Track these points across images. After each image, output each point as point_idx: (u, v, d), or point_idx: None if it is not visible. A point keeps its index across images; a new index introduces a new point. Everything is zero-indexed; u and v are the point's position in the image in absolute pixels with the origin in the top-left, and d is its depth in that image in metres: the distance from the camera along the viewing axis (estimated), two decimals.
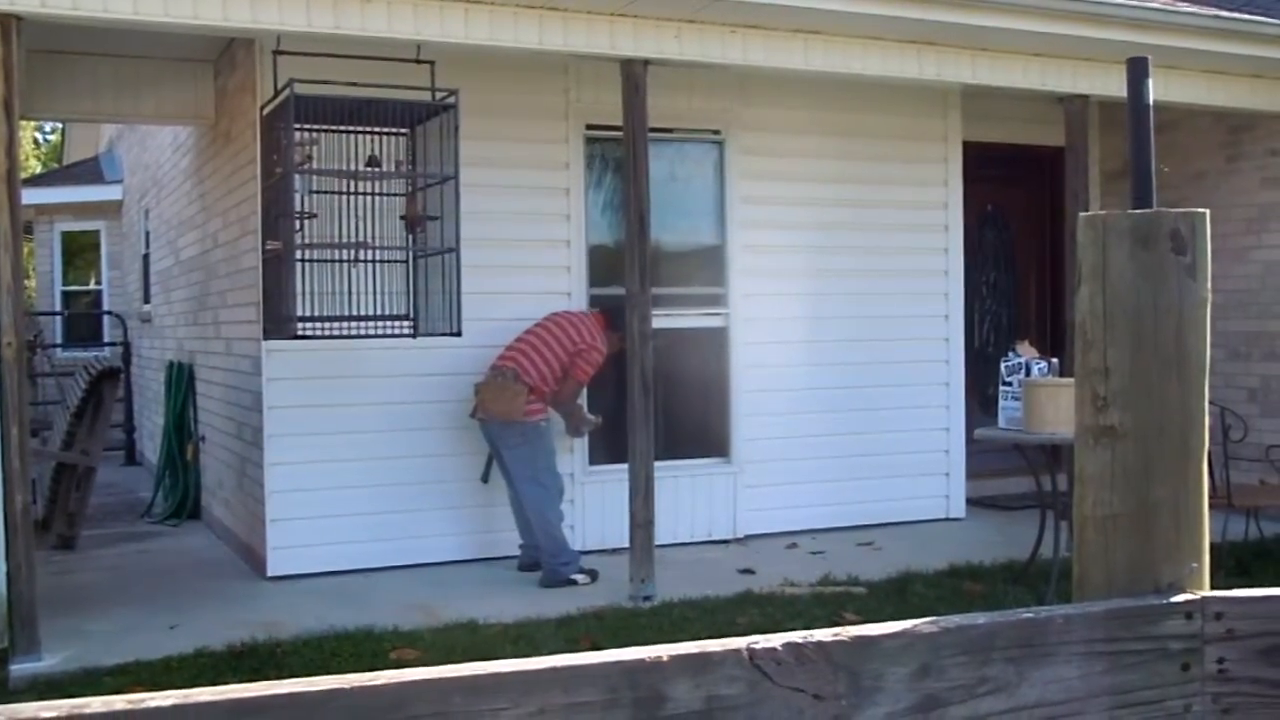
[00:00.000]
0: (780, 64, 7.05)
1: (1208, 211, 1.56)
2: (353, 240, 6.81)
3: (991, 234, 10.07)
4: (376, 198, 6.97)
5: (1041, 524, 6.86)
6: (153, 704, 1.09)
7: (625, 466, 6.81)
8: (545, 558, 7.06)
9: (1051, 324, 9.85)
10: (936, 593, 6.67)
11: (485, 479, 7.46)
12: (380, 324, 6.94)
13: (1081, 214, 1.58)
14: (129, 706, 1.09)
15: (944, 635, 1.37)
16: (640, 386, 6.65)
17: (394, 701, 1.14)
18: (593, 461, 7.88)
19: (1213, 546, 1.60)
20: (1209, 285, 1.55)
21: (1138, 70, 1.63)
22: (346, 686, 1.14)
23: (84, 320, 17.82)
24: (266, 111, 6.82)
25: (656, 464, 6.84)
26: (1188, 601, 1.48)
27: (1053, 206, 9.60)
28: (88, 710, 1.07)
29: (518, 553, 7.35)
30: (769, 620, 6.10)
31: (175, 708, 1.09)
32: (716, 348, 8.33)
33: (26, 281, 18.33)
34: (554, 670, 1.20)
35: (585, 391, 7.54)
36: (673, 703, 1.23)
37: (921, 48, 7.33)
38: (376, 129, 6.89)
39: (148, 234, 12.89)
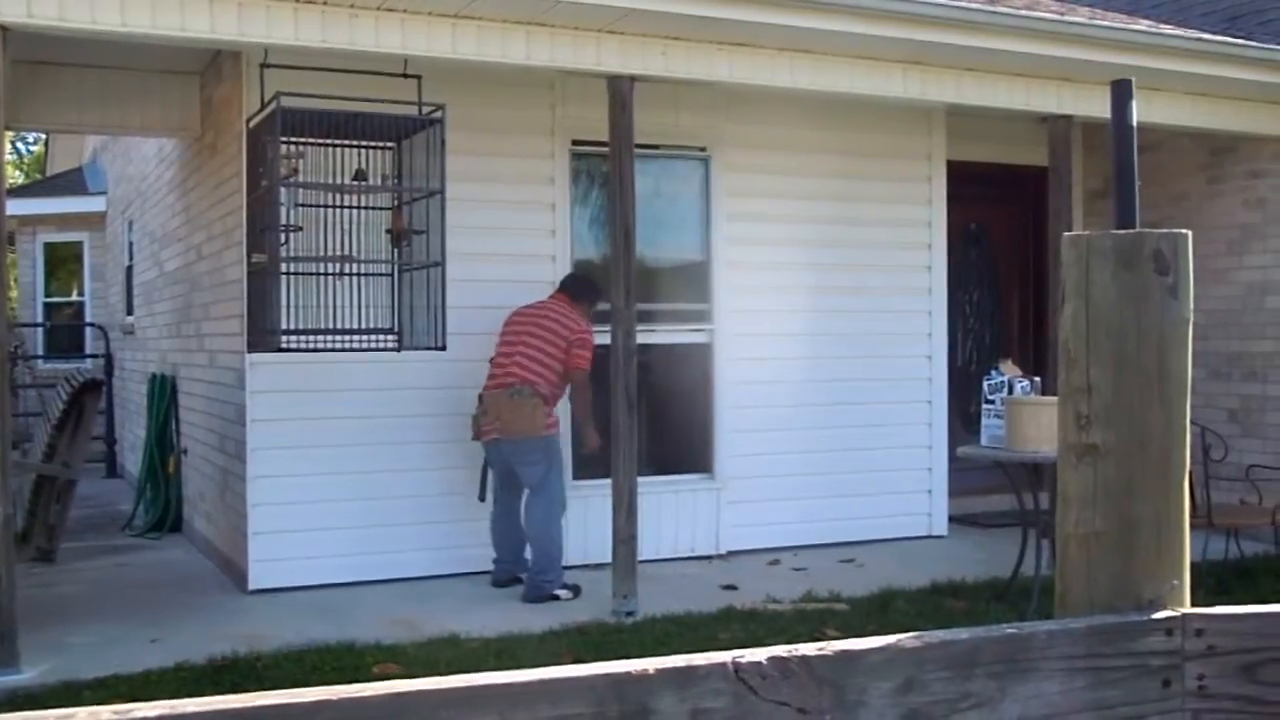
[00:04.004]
0: (766, 82, 7.09)
1: (1190, 233, 1.58)
2: (338, 254, 6.81)
3: (974, 252, 10.11)
4: (362, 211, 6.97)
5: (1023, 542, 6.88)
6: (140, 714, 1.09)
7: (608, 481, 6.81)
8: (531, 572, 7.05)
9: (1034, 342, 9.89)
10: (918, 610, 6.68)
11: (483, 498, 7.34)
12: (365, 337, 6.94)
13: (1065, 234, 1.59)
14: (115, 717, 1.09)
15: (927, 650, 1.38)
16: (624, 402, 6.65)
17: (381, 713, 1.15)
18: (576, 476, 7.86)
19: (1193, 566, 1.61)
20: (1191, 305, 1.57)
21: (1122, 92, 1.65)
22: (334, 698, 1.14)
23: (66, 332, 17.75)
24: (253, 124, 6.81)
25: (640, 479, 6.84)
26: (1168, 618, 1.50)
27: (1035, 225, 9.64)
28: None
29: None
30: (751, 636, 6.10)
31: (162, 718, 1.09)
32: (701, 364, 8.34)
33: (9, 292, 18.25)
34: (541, 682, 1.20)
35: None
36: (658, 715, 1.24)
37: (907, 67, 7.38)
38: (363, 143, 6.89)
39: (131, 246, 12.86)
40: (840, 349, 8.61)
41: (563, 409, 7.34)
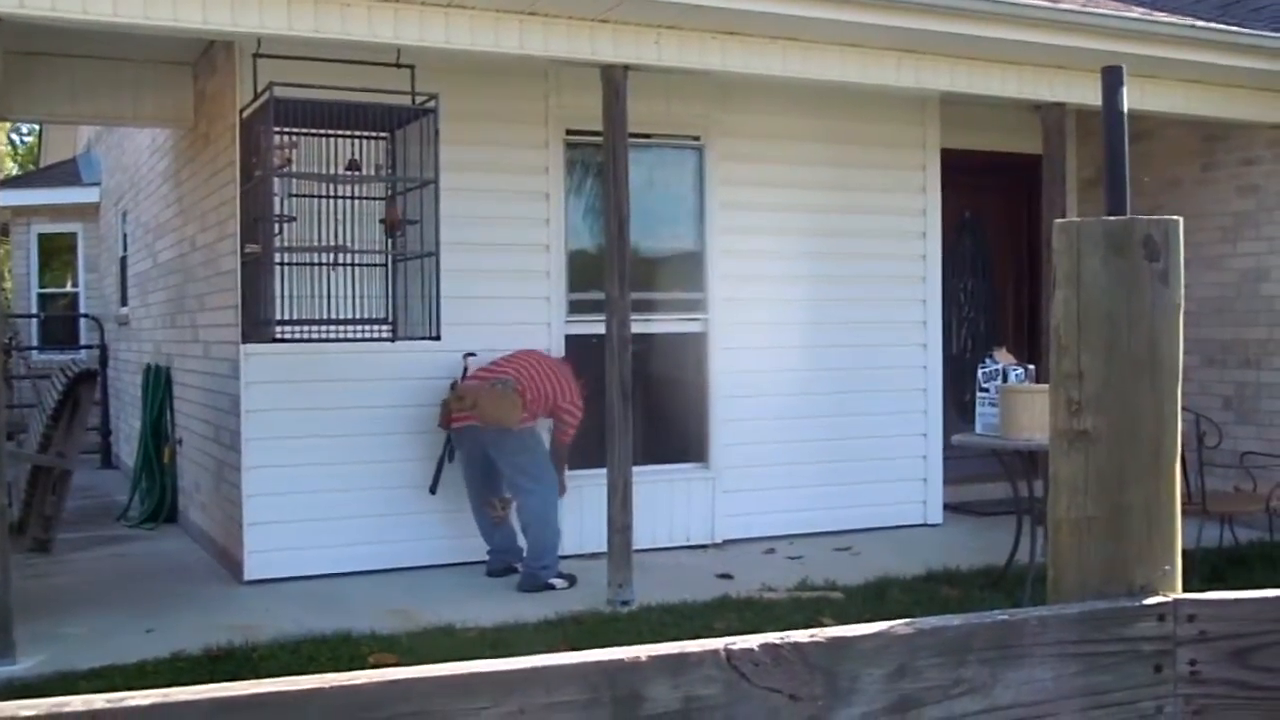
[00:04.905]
0: (760, 70, 7.07)
1: (1180, 219, 1.58)
2: (332, 244, 6.80)
3: (969, 241, 10.11)
4: (356, 201, 6.97)
5: (1018, 529, 6.89)
6: (132, 703, 1.09)
7: (603, 471, 6.81)
8: (527, 560, 7.06)
9: (1028, 330, 9.90)
10: (913, 598, 6.69)
11: (434, 490, 7.40)
12: (359, 328, 6.93)
13: (1056, 220, 1.59)
14: (109, 705, 1.09)
15: (920, 637, 1.38)
16: (619, 391, 6.65)
17: (374, 701, 1.15)
18: (571, 466, 7.85)
19: (1187, 553, 1.62)
20: (1182, 291, 1.57)
21: (1112, 78, 1.65)
22: (327, 686, 1.14)
23: (61, 323, 17.73)
24: (246, 114, 6.80)
25: (635, 469, 6.84)
26: (1160, 603, 1.50)
27: (1030, 214, 9.64)
28: (68, 709, 1.07)
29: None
30: (746, 625, 6.11)
31: (155, 706, 1.10)
32: (695, 353, 8.34)
33: (2, 284, 18.23)
34: (534, 670, 1.20)
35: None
36: (651, 703, 1.24)
37: (901, 55, 7.37)
38: (356, 133, 6.87)
39: (125, 236, 12.83)
40: (835, 338, 8.61)
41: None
